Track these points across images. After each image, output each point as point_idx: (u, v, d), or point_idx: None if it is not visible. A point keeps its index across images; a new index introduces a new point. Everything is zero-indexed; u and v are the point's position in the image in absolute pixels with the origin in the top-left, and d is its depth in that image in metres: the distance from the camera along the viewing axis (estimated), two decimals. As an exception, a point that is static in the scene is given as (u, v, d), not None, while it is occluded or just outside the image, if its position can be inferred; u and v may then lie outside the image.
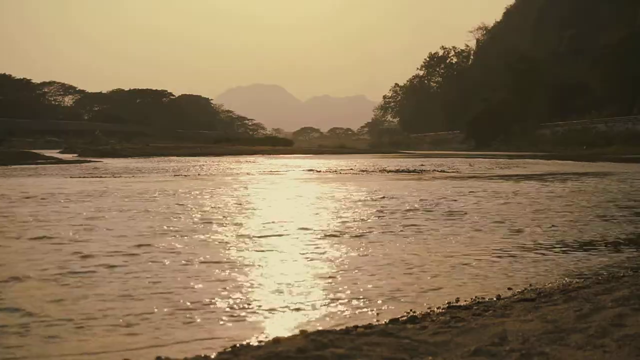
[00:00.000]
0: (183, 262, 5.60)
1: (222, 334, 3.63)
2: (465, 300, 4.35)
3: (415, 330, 3.42)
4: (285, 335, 3.32)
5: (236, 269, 5.34)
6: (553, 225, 8.20)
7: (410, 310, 4.11)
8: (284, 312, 4.11)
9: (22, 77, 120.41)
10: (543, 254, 6.17)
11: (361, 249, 6.34)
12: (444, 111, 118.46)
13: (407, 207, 10.24)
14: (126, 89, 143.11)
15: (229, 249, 6.26)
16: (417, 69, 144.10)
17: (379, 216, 9.07)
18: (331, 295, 4.50)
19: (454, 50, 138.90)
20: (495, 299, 4.39)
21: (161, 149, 51.53)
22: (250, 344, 3.27)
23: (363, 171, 23.55)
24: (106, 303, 4.23)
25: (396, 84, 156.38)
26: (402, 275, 5.16)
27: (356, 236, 7.16)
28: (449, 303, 4.28)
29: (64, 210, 9.47)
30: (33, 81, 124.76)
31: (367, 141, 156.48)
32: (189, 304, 4.24)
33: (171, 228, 7.68)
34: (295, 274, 5.18)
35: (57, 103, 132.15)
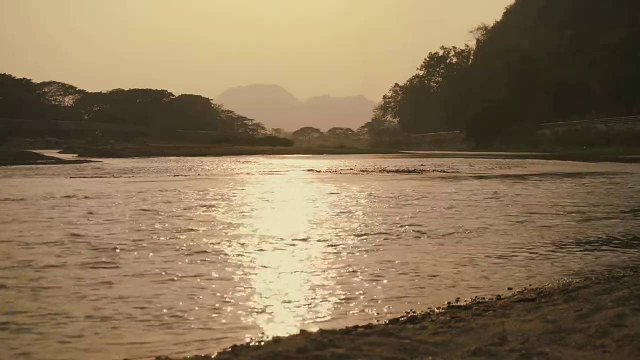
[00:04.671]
0: (184, 261, 5.61)
1: (222, 334, 3.63)
2: (465, 300, 4.35)
3: (415, 330, 3.42)
4: (285, 335, 3.32)
5: (236, 269, 5.34)
6: (553, 225, 8.20)
7: (410, 310, 4.11)
8: (284, 312, 4.11)
9: (22, 77, 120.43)
10: (543, 254, 6.17)
11: (360, 250, 6.34)
12: (444, 111, 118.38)
13: (406, 208, 10.24)
14: (126, 89, 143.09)
15: (228, 249, 6.26)
16: (417, 69, 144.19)
17: (378, 216, 9.07)
18: (331, 295, 4.50)
19: (454, 50, 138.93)
20: (495, 299, 4.39)
21: (161, 149, 51.53)
22: (250, 344, 3.27)
23: (363, 171, 23.54)
24: (106, 304, 4.23)
25: (396, 84, 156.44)
26: (402, 276, 5.16)
27: (354, 237, 7.15)
28: (449, 303, 4.28)
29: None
30: (33, 81, 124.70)
31: (367, 141, 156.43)
32: (189, 303, 4.25)
33: (174, 228, 7.68)
34: (295, 274, 5.18)
35: (57, 103, 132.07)
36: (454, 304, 4.24)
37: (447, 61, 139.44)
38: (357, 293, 4.56)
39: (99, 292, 4.51)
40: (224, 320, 3.91)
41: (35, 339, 3.52)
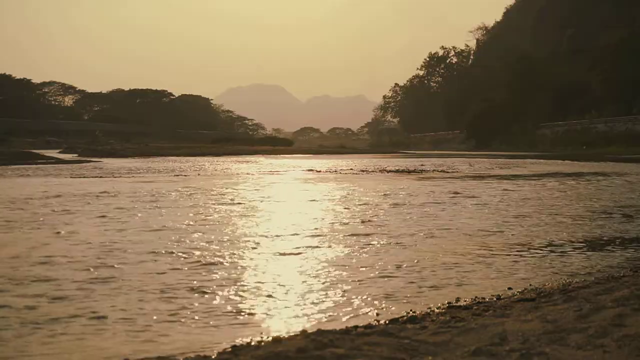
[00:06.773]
0: (185, 261, 5.61)
1: (222, 334, 3.64)
2: (465, 300, 4.35)
3: (415, 330, 3.42)
4: (285, 335, 3.32)
5: (237, 270, 5.34)
6: (553, 225, 8.20)
7: (410, 310, 4.10)
8: (284, 312, 4.11)
9: (22, 77, 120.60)
10: (543, 254, 6.17)
11: (360, 250, 6.34)
12: (444, 111, 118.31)
13: (404, 208, 10.24)
14: (126, 89, 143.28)
15: (227, 249, 6.26)
16: (417, 69, 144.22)
17: (377, 217, 9.07)
18: (331, 295, 4.50)
19: (454, 50, 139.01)
20: (495, 299, 4.39)
21: (161, 149, 51.53)
22: (250, 344, 3.27)
23: (363, 171, 23.54)
24: (108, 303, 4.24)
25: (396, 84, 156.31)
26: (402, 275, 5.16)
27: (353, 237, 7.15)
28: (449, 303, 4.27)
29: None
30: (33, 81, 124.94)
31: (367, 141, 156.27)
32: (189, 303, 4.25)
33: (176, 229, 7.68)
34: (295, 275, 5.18)
35: (57, 103, 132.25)
36: (454, 304, 4.24)
37: (447, 61, 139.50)
38: (356, 293, 4.56)
39: (100, 286, 4.52)
40: (223, 320, 3.91)
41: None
